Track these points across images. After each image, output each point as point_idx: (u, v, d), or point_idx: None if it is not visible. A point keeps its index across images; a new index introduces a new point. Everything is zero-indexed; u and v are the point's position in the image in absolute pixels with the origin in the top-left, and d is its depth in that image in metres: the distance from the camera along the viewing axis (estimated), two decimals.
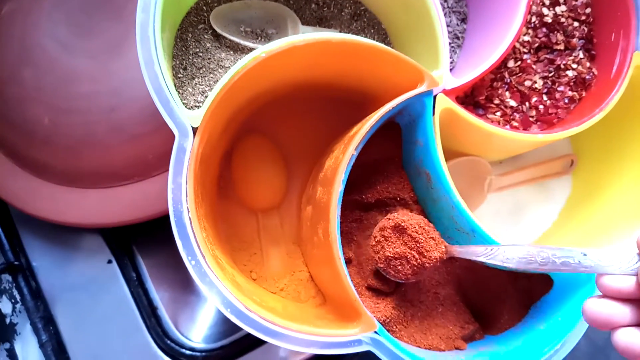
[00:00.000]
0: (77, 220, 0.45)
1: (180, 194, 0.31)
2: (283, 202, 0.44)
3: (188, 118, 0.32)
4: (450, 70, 0.44)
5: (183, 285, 0.50)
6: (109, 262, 0.49)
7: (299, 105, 0.44)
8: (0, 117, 0.45)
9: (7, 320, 0.49)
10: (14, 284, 0.48)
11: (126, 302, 0.47)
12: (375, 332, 0.31)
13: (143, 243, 0.50)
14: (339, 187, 0.34)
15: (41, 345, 0.46)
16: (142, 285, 0.48)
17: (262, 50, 0.33)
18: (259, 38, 0.41)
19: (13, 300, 0.49)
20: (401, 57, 0.36)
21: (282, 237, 0.44)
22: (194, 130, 0.32)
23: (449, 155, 0.44)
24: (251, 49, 0.40)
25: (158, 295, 0.48)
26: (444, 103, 0.36)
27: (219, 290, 0.30)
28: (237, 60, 0.40)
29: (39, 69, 0.44)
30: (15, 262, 0.48)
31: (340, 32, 0.43)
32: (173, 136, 0.32)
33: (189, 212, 0.31)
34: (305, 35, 0.34)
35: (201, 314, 0.48)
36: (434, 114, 0.37)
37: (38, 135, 0.44)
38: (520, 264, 0.30)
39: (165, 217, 0.45)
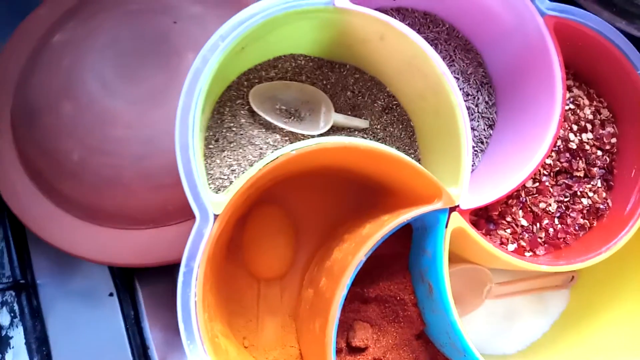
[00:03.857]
0: (87, 255, 0.46)
1: (191, 278, 0.33)
2: (287, 273, 0.46)
3: (212, 204, 0.33)
4: (471, 171, 0.45)
5: (177, 327, 0.51)
6: (111, 294, 0.50)
7: (315, 180, 0.45)
8: (33, 143, 0.47)
9: (3, 332, 0.50)
10: (16, 299, 0.50)
11: (120, 338, 0.49)
12: None
13: (145, 280, 0.51)
14: (342, 290, 0.35)
15: None
16: (138, 324, 0.49)
17: (292, 149, 0.35)
18: (292, 118, 0.43)
19: (12, 314, 0.50)
20: (423, 172, 0.37)
21: (280, 309, 0.45)
22: (215, 215, 0.34)
23: (454, 258, 0.45)
24: (282, 129, 0.42)
25: (151, 335, 0.50)
26: (457, 222, 0.38)
27: None
28: (267, 138, 0.41)
29: (78, 104, 0.45)
30: (22, 280, 0.49)
31: (370, 122, 0.45)
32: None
33: (195, 296, 0.33)
34: (335, 139, 0.36)
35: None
36: (446, 227, 0.38)
37: (66, 168, 0.45)
38: None
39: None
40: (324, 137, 0.36)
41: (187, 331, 0.32)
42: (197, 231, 0.33)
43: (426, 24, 0.49)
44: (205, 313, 0.34)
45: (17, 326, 0.50)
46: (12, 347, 0.49)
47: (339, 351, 0.41)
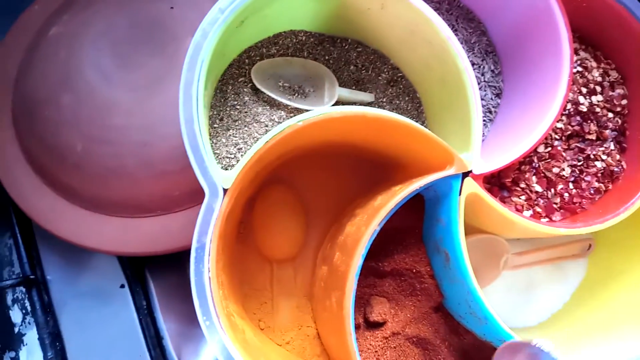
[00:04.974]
0: (96, 246, 0.45)
1: (204, 253, 0.32)
2: (299, 254, 0.45)
3: (221, 179, 0.33)
4: (481, 140, 0.44)
5: (190, 317, 0.50)
6: (122, 286, 0.49)
7: (324, 160, 0.45)
8: (35, 136, 0.46)
9: (16, 330, 0.50)
10: (27, 296, 0.49)
11: (134, 329, 0.48)
12: None
13: (156, 271, 0.51)
14: (358, 261, 0.34)
15: None
16: (151, 314, 0.49)
17: (299, 120, 0.34)
18: (296, 94, 0.42)
19: (24, 311, 0.50)
20: (433, 138, 0.37)
21: (294, 290, 0.44)
22: (224, 190, 0.33)
23: (469, 230, 0.44)
24: (287, 106, 0.41)
25: (165, 326, 0.49)
26: (471, 187, 0.37)
27: (228, 353, 0.31)
28: (272, 115, 0.41)
29: (78, 95, 0.45)
30: (31, 276, 0.49)
31: (375, 95, 0.44)
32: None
33: (209, 272, 0.32)
34: (342, 108, 0.35)
35: (205, 350, 0.49)
36: (460, 194, 0.37)
37: (69, 159, 0.45)
38: None
39: (182, 252, 0.46)
40: (330, 107, 0.35)
41: (202, 307, 0.31)
42: (207, 206, 0.32)
43: None
44: (220, 290, 0.33)
45: (29, 323, 0.49)
46: (26, 345, 0.49)
47: (357, 327, 0.40)
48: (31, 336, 0.49)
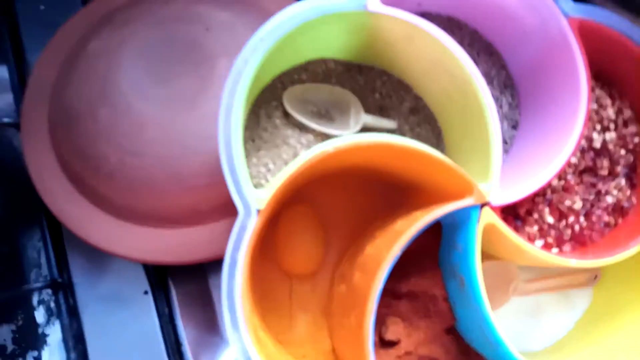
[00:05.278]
0: (124, 253, 0.47)
1: (235, 270, 0.34)
2: (318, 271, 0.47)
3: (254, 200, 0.35)
4: None
5: (209, 325, 0.52)
6: (145, 292, 0.51)
7: (345, 182, 0.47)
8: (71, 146, 0.49)
9: (40, 330, 0.52)
10: (54, 298, 0.51)
11: (155, 335, 0.50)
12: None
13: (179, 279, 0.53)
14: (380, 283, 0.36)
15: None
16: (172, 321, 0.51)
17: (331, 146, 0.36)
18: (323, 119, 0.44)
19: (49, 312, 0.52)
20: (454, 168, 0.38)
21: (312, 306, 0.46)
22: (257, 210, 0.35)
23: (483, 257, 0.46)
24: (314, 130, 0.43)
25: (185, 333, 0.51)
26: (489, 217, 0.39)
27: None
28: (300, 138, 0.43)
29: (115, 110, 0.47)
30: (59, 279, 0.51)
31: (397, 122, 0.46)
32: (226, 191, 0.35)
33: (240, 288, 0.34)
34: (370, 136, 0.37)
35: (222, 357, 0.51)
36: (477, 222, 0.39)
37: (103, 170, 0.47)
38: None
39: (203, 262, 0.48)
40: (358, 134, 0.37)
41: (232, 321, 0.33)
42: (241, 225, 0.34)
43: (450, 28, 0.50)
44: (247, 305, 0.35)
45: (53, 324, 0.51)
46: (48, 345, 0.51)
47: None
48: (54, 337, 0.51)
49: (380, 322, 0.43)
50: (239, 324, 0.33)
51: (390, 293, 0.43)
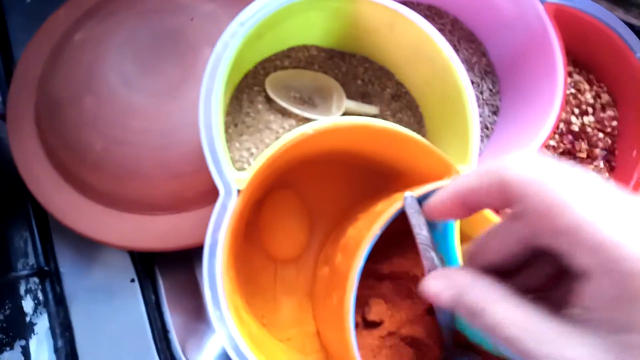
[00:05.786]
0: (111, 241, 0.48)
1: (216, 249, 0.34)
2: (302, 255, 0.47)
3: (235, 181, 0.35)
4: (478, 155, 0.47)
5: (196, 312, 0.53)
6: (132, 281, 0.52)
7: (328, 168, 0.47)
8: (57, 135, 0.49)
9: (27, 319, 0.52)
10: (40, 287, 0.52)
11: (142, 322, 0.50)
12: None
13: (165, 267, 0.53)
14: (360, 261, 0.36)
15: (55, 350, 0.49)
16: (159, 309, 0.51)
17: (310, 128, 0.37)
18: (306, 105, 0.45)
19: (36, 301, 0.52)
20: (433, 150, 0.39)
21: (297, 289, 0.46)
22: (238, 190, 0.36)
23: (463, 238, 0.46)
24: (297, 115, 0.44)
25: (171, 320, 0.51)
26: None
27: (235, 343, 0.33)
28: (283, 123, 0.43)
29: (100, 98, 0.48)
30: (45, 268, 0.51)
31: (380, 109, 0.47)
32: (211, 178, 0.36)
33: (221, 265, 0.34)
34: (350, 118, 0.38)
35: (209, 343, 0.51)
36: None
37: (89, 158, 0.47)
38: None
39: (190, 250, 0.49)
40: (339, 117, 0.38)
41: (213, 299, 0.34)
42: (221, 205, 0.35)
43: (431, 16, 0.51)
44: (229, 284, 0.35)
45: (40, 313, 0.51)
46: (36, 334, 0.51)
47: (356, 326, 0.42)
48: (42, 326, 0.51)
49: (363, 304, 0.43)
50: (220, 302, 0.34)
51: (373, 275, 0.44)
